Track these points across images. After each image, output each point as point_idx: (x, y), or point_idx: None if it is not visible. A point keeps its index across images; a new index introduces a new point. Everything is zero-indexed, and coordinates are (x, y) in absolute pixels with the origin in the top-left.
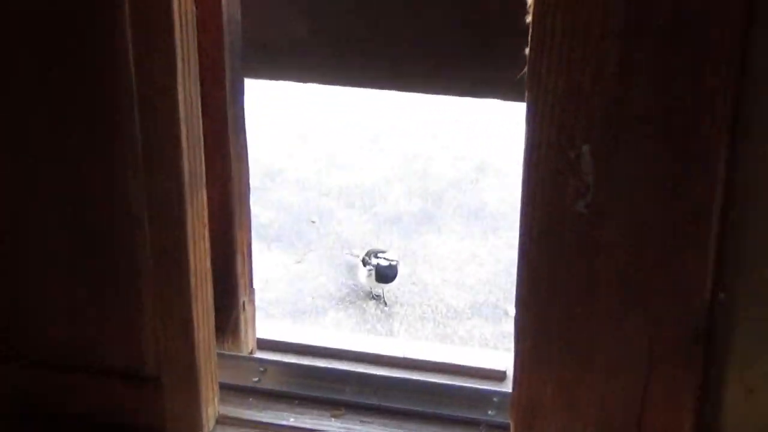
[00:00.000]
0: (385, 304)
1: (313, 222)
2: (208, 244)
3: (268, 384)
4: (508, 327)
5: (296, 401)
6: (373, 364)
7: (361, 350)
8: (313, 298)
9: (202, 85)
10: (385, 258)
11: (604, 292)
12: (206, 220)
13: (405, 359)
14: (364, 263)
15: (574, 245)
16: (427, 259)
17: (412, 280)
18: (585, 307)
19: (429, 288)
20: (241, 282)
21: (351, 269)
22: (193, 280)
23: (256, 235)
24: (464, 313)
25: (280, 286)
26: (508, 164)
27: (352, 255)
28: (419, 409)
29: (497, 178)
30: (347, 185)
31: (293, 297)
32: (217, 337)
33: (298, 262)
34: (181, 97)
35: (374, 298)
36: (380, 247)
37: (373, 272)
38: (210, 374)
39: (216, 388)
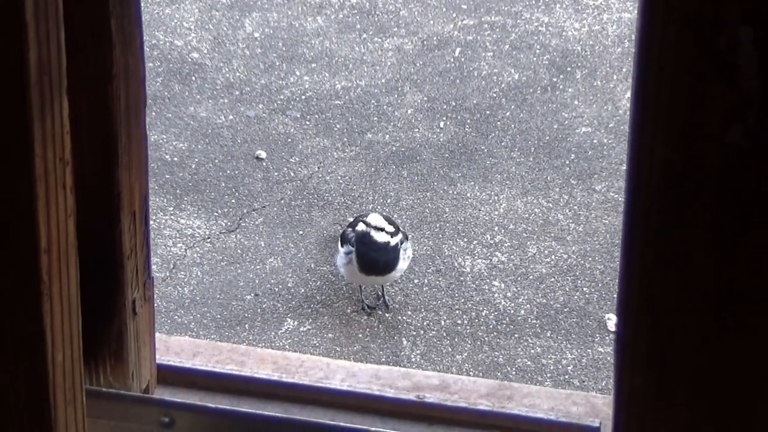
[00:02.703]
0: (386, 306)
1: (260, 158)
2: (71, 199)
3: None
4: (604, 349)
5: None
6: (365, 413)
7: (343, 389)
8: (256, 295)
9: None
10: (376, 227)
11: None
12: (67, 154)
13: (422, 404)
14: (343, 239)
15: (723, 204)
16: (459, 226)
17: (435, 266)
18: (745, 313)
19: (465, 280)
20: (129, 266)
21: (328, 245)
22: (44, 259)
23: (159, 183)
24: (526, 324)
25: (200, 273)
26: (600, 59)
27: (342, 224)
28: None
29: (582, 83)
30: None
31: (223, 293)
32: (88, 363)
33: (232, 230)
34: None
35: (366, 308)
36: (380, 211)
37: (354, 256)
38: (72, 427)
39: None
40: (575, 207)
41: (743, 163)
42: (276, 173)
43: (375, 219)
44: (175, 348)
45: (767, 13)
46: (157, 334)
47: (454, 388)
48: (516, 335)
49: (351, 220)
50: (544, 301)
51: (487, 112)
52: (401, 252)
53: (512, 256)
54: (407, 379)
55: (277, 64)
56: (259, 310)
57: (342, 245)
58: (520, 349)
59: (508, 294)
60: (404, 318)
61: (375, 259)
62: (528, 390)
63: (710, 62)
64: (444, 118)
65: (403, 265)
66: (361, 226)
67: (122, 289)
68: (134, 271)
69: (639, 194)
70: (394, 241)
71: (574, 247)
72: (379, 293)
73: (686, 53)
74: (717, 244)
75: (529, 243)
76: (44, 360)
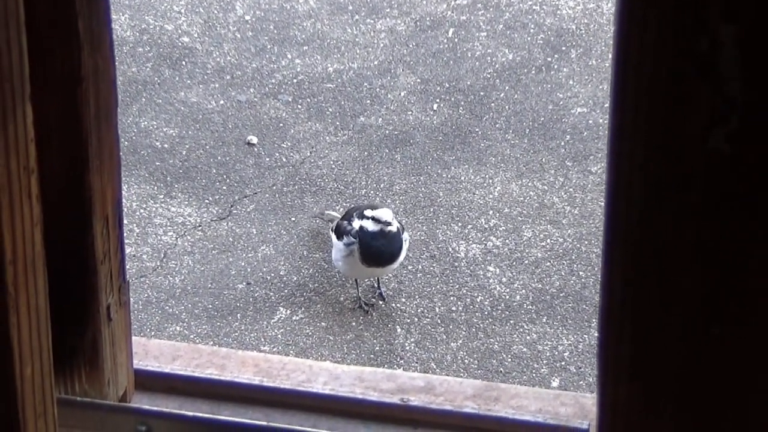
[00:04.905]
0: (383, 299)
1: (251, 144)
2: (37, 208)
3: None
4: None
5: None
6: (348, 417)
7: (325, 392)
8: (248, 284)
9: None
10: (376, 219)
11: (762, 296)
12: (32, 163)
13: (406, 408)
14: (340, 231)
15: (706, 210)
16: (453, 211)
17: (429, 252)
18: (729, 323)
19: (459, 266)
20: (103, 271)
21: (320, 231)
22: (10, 271)
23: (149, 170)
24: (522, 310)
25: (191, 262)
26: (595, 37)
27: (323, 217)
28: None
29: (577, 63)
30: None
31: (214, 282)
32: (63, 371)
33: (223, 217)
34: None
35: (364, 305)
36: (374, 196)
37: (356, 248)
38: None
39: None
40: (571, 189)
41: (727, 167)
42: (267, 159)
43: (385, 213)
44: (154, 352)
45: (750, 12)
46: (135, 338)
47: (440, 389)
48: (511, 321)
49: (331, 212)
50: (540, 286)
51: (481, 94)
52: (404, 243)
53: (507, 241)
54: (392, 381)
55: (269, 47)
56: (251, 299)
57: (339, 238)
58: (515, 335)
59: (503, 279)
60: (398, 305)
61: (381, 250)
62: (516, 391)
63: (691, 63)
64: (437, 100)
65: (402, 256)
66: (368, 223)
67: (96, 295)
68: (108, 276)
69: (619, 200)
70: (394, 227)
71: (569, 231)
72: (375, 285)
73: (666, 54)
74: (701, 251)
75: (524, 227)
76: (12, 375)
